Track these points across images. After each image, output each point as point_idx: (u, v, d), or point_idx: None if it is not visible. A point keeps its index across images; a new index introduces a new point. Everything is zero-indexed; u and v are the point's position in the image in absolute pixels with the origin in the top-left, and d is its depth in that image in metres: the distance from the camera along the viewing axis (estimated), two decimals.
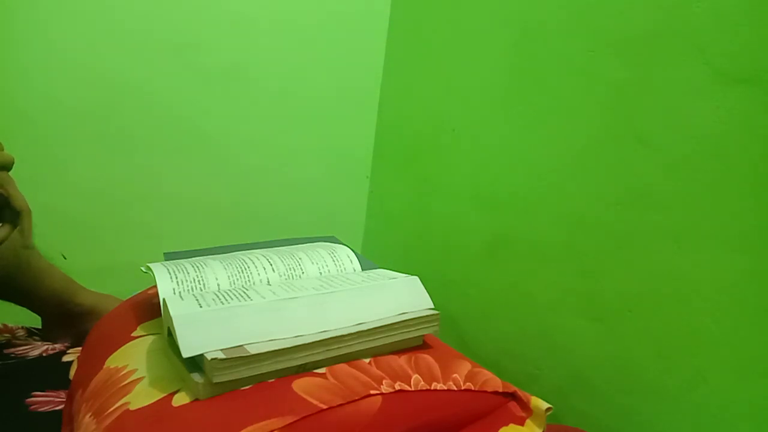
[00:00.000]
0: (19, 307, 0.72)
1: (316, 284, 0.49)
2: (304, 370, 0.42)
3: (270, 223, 1.03)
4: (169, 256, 0.58)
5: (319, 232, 0.76)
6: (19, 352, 0.68)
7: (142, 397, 0.40)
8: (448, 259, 0.89)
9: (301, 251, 0.58)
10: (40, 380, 0.60)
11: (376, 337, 0.45)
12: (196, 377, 0.38)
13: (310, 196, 1.07)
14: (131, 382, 0.42)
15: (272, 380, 0.41)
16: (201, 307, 0.42)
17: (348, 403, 0.39)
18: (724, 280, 0.52)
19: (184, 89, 0.91)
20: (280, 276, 0.54)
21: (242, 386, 0.40)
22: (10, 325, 0.76)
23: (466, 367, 0.47)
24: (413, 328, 0.47)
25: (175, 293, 0.48)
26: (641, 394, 0.60)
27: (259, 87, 0.97)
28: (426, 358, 0.47)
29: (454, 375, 0.45)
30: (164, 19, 0.88)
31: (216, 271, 0.51)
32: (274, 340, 0.41)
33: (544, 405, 0.45)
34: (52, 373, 0.62)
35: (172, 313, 0.40)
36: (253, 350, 0.39)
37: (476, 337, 0.82)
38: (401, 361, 0.45)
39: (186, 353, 0.38)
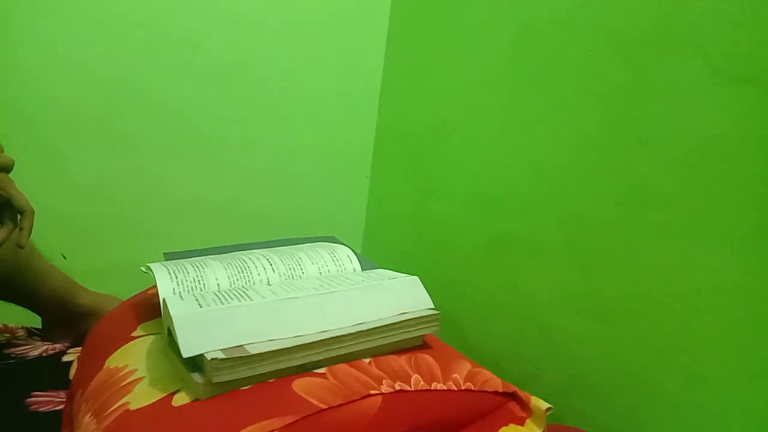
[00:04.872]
0: (19, 307, 0.72)
1: (316, 284, 0.49)
2: (304, 370, 0.42)
3: (270, 223, 1.03)
4: (169, 256, 0.58)
5: (319, 232, 0.75)
6: (19, 352, 0.68)
7: (142, 397, 0.40)
8: (448, 260, 0.89)
9: (301, 251, 0.58)
10: (40, 380, 0.60)
11: (376, 337, 0.45)
12: (196, 377, 0.38)
13: (310, 195, 1.07)
14: (131, 382, 0.42)
15: (272, 380, 0.41)
16: (201, 307, 0.42)
17: (348, 403, 0.39)
18: (724, 280, 0.52)
19: (184, 89, 0.91)
20: (280, 276, 0.54)
21: (242, 386, 0.40)
22: (10, 325, 0.76)
23: (466, 367, 0.47)
24: (413, 328, 0.47)
25: (175, 293, 0.48)
26: (641, 394, 0.60)
27: (259, 86, 0.97)
28: (426, 358, 0.47)
29: (454, 375, 0.45)
30: (164, 18, 0.88)
31: (216, 271, 0.51)
32: (274, 340, 0.41)
33: (544, 405, 0.45)
34: (52, 373, 0.62)
35: (172, 313, 0.40)
36: (253, 350, 0.39)
37: (476, 337, 0.82)
38: (401, 361, 0.45)
39: (186, 353, 0.38)
